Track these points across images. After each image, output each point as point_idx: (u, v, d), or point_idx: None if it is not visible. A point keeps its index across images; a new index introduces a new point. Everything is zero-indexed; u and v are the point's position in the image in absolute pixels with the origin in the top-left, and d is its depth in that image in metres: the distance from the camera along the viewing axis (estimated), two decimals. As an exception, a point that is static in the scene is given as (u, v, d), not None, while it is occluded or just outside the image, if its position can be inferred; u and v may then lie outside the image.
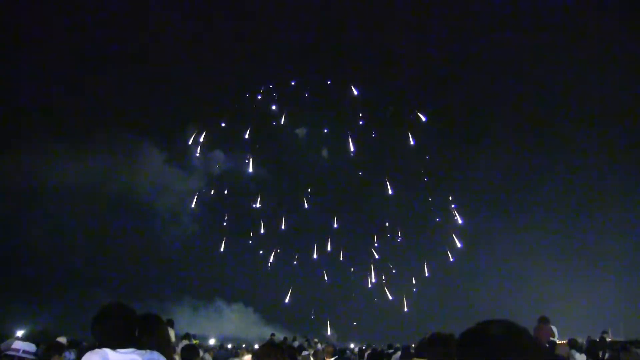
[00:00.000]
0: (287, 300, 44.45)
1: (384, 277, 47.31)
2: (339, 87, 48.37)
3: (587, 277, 40.19)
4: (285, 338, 22.80)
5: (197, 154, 47.48)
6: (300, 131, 48.67)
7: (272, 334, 23.77)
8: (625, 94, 40.24)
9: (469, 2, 44.87)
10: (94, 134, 43.12)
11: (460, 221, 43.13)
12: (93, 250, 43.32)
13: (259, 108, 48.26)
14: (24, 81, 40.75)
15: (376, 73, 49.14)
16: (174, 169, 47.53)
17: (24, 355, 5.63)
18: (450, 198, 46.83)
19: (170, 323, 17.17)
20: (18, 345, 5.67)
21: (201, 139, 46.71)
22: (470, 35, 45.63)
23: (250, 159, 46.36)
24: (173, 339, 16.86)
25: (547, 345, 12.01)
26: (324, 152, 48.23)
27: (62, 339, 11.23)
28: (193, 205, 46.96)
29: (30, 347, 5.70)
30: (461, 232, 44.23)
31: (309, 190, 48.44)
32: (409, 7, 46.85)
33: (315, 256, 45.58)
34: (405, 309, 43.96)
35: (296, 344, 20.36)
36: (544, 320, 13.51)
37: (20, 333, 20.30)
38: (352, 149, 45.28)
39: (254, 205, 46.31)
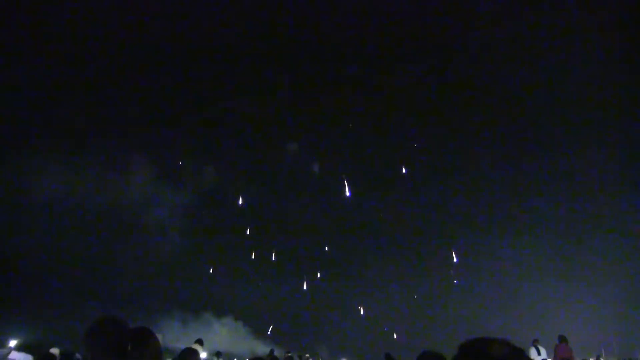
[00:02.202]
0: (269, 332, 44.50)
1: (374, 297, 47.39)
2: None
3: (581, 298, 40.19)
4: (271, 350, 22.64)
5: (187, 169, 47.69)
6: (292, 147, 48.77)
7: (272, 350, 23.63)
8: (621, 103, 40.43)
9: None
10: (84, 147, 43.28)
11: (455, 259, 43.03)
12: (83, 263, 43.23)
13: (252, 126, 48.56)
14: (15, 93, 40.87)
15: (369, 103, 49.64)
16: (164, 183, 47.60)
17: None
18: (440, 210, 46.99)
19: (200, 342, 17.17)
20: (16, 356, 5.61)
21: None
22: (462, 44, 46.09)
23: (241, 197, 46.49)
24: (205, 357, 16.81)
25: None
26: (315, 168, 48.32)
27: (55, 350, 11.16)
28: (182, 220, 47.12)
29: (28, 358, 5.64)
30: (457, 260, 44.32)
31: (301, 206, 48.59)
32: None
33: (305, 287, 45.68)
34: (395, 337, 43.90)
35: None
36: (563, 340, 14.62)
37: (13, 343, 20.13)
38: (347, 192, 45.41)
39: (246, 230, 46.50)
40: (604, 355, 23.21)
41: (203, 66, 48.11)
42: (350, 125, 48.06)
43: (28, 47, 40.53)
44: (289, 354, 20.99)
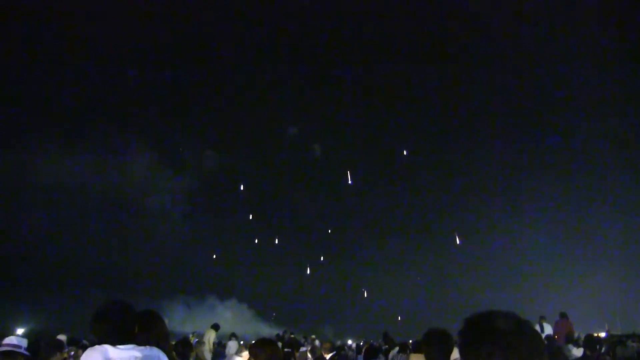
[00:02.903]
0: (273, 315, 44.73)
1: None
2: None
3: (584, 272, 40.33)
4: (284, 332, 22.85)
5: (188, 154, 47.65)
6: (293, 131, 48.60)
7: (285, 331, 23.85)
8: (623, 85, 40.22)
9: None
10: (86, 133, 43.20)
11: (458, 242, 42.87)
12: (87, 250, 43.43)
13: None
14: (15, 80, 40.65)
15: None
16: (166, 169, 47.62)
17: (26, 353, 5.56)
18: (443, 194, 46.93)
19: (216, 327, 17.39)
20: (17, 341, 5.56)
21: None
22: (462, 25, 45.73)
23: (242, 185, 46.45)
24: (213, 340, 17.07)
25: (568, 338, 13.05)
26: (317, 150, 48.21)
27: (62, 337, 11.26)
28: (184, 205, 47.18)
29: (21, 341, 5.63)
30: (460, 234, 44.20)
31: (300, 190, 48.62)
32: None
33: (308, 271, 45.84)
34: (399, 318, 44.07)
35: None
36: (564, 316, 15.11)
37: (20, 331, 20.30)
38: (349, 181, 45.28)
39: (248, 216, 46.64)
40: (607, 329, 23.38)
41: (204, 50, 47.77)
42: (352, 107, 47.84)
43: (26, 31, 40.24)
44: (292, 335, 21.18)
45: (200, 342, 15.73)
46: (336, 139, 50.68)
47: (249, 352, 4.35)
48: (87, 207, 44.65)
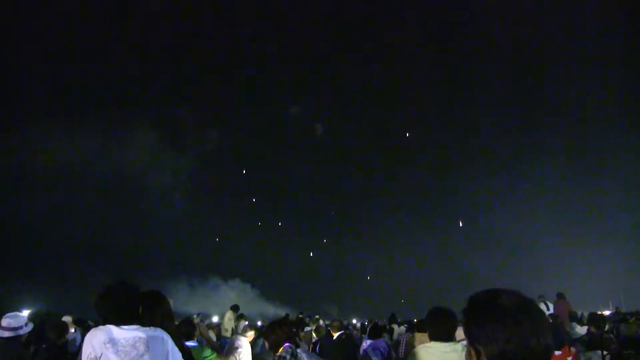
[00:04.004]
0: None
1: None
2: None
3: (589, 252, 40.44)
4: (287, 315, 23.03)
5: (190, 133, 47.50)
6: (294, 109, 48.40)
7: (287, 314, 24.05)
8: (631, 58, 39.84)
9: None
10: (87, 113, 43.10)
11: (460, 224, 42.88)
12: (90, 230, 43.63)
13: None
14: (17, 60, 40.44)
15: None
16: (167, 147, 47.56)
17: (27, 328, 5.51)
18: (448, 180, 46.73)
19: (235, 308, 17.51)
20: (16, 323, 5.44)
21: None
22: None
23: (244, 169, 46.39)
24: (231, 320, 17.16)
25: (571, 316, 13.23)
26: (318, 128, 48.08)
27: (68, 318, 11.33)
28: (188, 186, 47.19)
29: (20, 320, 5.54)
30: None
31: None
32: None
33: (311, 254, 45.98)
34: (402, 301, 44.31)
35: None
36: (562, 296, 15.24)
37: (26, 312, 20.48)
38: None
39: (252, 198, 46.69)
40: (611, 307, 23.51)
41: (205, 29, 47.41)
42: (355, 88, 47.60)
43: (27, 11, 39.94)
44: (301, 316, 21.39)
45: (203, 321, 15.86)
46: (339, 122, 50.48)
47: (262, 335, 4.42)
48: (89, 188, 44.82)
